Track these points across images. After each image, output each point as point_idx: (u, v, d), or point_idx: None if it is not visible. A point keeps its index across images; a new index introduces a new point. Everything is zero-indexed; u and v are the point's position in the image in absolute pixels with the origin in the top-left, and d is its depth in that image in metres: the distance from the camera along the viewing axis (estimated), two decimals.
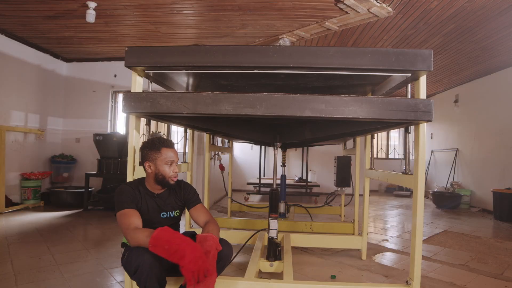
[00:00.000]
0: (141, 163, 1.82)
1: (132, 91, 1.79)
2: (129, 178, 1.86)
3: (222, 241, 1.74)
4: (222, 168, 4.90)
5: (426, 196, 6.60)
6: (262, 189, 6.94)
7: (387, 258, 3.09)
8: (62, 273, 2.40)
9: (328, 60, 1.64)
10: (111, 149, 5.08)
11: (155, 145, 1.76)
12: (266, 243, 2.63)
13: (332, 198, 4.81)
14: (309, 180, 7.54)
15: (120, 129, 6.24)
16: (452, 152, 7.30)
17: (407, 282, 1.86)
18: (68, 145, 6.01)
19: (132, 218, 1.59)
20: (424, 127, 1.75)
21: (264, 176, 7.74)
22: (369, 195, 3.08)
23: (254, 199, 7.02)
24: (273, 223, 2.48)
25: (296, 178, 7.80)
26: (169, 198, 1.83)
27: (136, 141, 1.90)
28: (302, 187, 7.06)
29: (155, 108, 1.68)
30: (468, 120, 6.90)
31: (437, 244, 3.63)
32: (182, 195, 1.88)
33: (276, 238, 2.50)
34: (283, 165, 4.61)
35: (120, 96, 6.27)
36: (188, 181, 3.03)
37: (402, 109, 1.62)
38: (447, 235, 4.08)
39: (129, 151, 1.87)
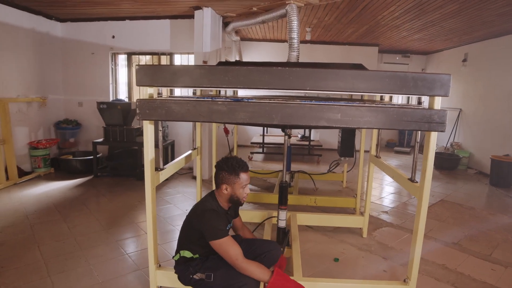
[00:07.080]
0: (216, 182, 1.95)
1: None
2: (147, 186, 1.93)
3: (272, 243, 2.11)
4: (226, 131, 4.68)
5: None
6: (266, 146, 7.16)
7: (385, 235, 3.31)
8: (88, 260, 2.60)
9: (345, 84, 1.61)
10: (116, 117, 5.07)
11: (235, 170, 1.87)
12: (274, 229, 2.83)
13: (335, 165, 4.95)
14: (312, 138, 7.57)
15: (123, 92, 6.16)
16: (455, 112, 7.28)
17: (404, 280, 2.05)
18: (71, 109, 5.98)
19: (235, 247, 1.74)
20: (435, 135, 1.76)
21: (267, 133, 7.75)
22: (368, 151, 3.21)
23: (258, 158, 7.18)
24: (283, 214, 2.63)
25: (299, 136, 7.82)
26: (231, 212, 2.04)
27: (151, 148, 1.94)
28: (305, 147, 7.19)
29: (170, 116, 1.71)
30: (475, 81, 6.77)
31: (434, 217, 3.85)
32: (237, 208, 2.12)
33: (285, 228, 2.67)
34: None
35: (120, 58, 6.07)
36: (198, 164, 3.11)
37: (417, 120, 1.64)
38: (444, 205, 4.30)
39: (145, 158, 1.90)
